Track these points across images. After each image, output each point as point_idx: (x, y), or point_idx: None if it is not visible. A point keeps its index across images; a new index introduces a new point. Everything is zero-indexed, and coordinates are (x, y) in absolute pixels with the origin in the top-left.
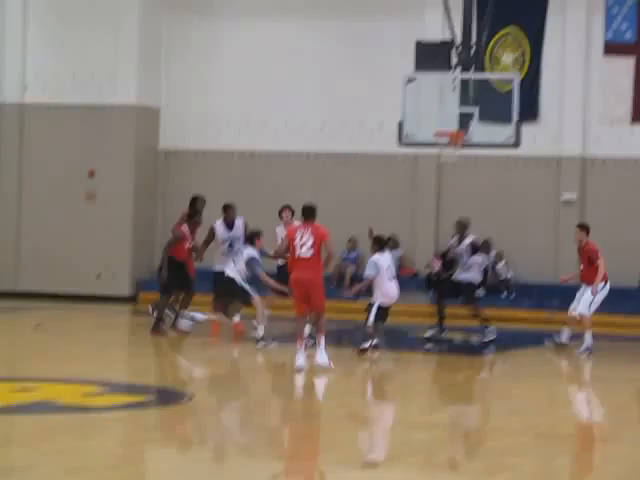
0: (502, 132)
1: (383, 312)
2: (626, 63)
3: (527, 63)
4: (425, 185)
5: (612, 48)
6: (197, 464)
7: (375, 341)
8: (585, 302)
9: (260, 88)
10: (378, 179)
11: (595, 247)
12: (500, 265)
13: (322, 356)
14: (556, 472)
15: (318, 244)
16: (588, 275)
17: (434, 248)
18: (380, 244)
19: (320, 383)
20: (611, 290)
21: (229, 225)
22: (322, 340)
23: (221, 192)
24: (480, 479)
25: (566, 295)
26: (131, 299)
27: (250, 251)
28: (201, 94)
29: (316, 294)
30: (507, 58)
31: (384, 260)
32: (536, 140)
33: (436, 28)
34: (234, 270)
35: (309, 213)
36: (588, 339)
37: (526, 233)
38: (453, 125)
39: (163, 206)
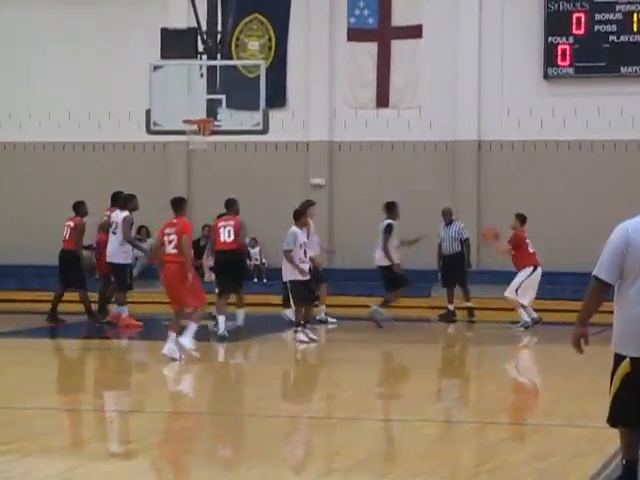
0: (251, 118)
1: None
2: (369, 48)
3: (273, 50)
4: (175, 173)
5: (355, 34)
6: None
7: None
8: (512, 285)
9: (2, 79)
10: (127, 168)
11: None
12: (255, 250)
13: (187, 339)
14: (312, 453)
15: (179, 240)
16: (517, 260)
17: None
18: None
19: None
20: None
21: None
22: (192, 327)
23: None
24: (236, 466)
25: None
26: None
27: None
28: None
29: (176, 290)
30: (253, 45)
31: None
32: (284, 126)
33: (181, 15)
34: None
35: (177, 206)
36: (522, 315)
37: (277, 218)
38: (201, 112)
39: None
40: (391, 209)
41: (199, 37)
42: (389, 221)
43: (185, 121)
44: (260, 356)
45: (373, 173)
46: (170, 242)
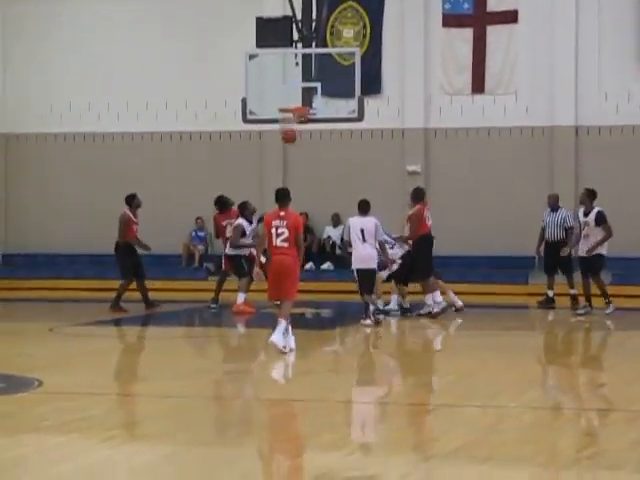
0: (346, 106)
1: (363, 278)
2: (464, 34)
3: (368, 37)
4: (271, 161)
5: (450, 20)
6: (55, 449)
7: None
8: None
9: (101, 69)
10: (224, 157)
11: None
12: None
13: (279, 337)
14: (411, 439)
15: (293, 235)
16: None
17: None
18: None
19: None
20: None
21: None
22: (283, 324)
23: (65, 175)
24: (333, 451)
25: None
26: None
27: None
28: (41, 77)
29: (285, 281)
30: (348, 33)
31: (355, 223)
32: (380, 113)
33: (276, 3)
34: None
35: (283, 198)
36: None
37: (373, 205)
38: (297, 100)
39: (5, 190)
40: None
41: (294, 25)
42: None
43: (281, 110)
44: (355, 343)
45: (469, 159)
46: (279, 235)
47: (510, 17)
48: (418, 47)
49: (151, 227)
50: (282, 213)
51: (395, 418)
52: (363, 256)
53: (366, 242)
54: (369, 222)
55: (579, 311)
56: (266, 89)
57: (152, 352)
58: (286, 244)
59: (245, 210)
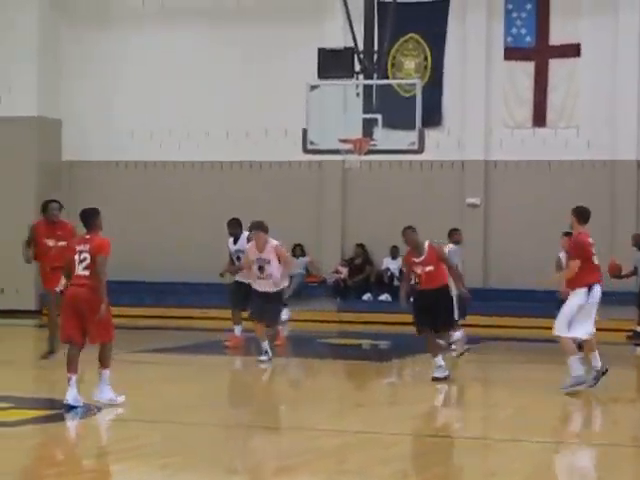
0: (406, 137)
1: None
2: (526, 67)
3: (429, 69)
4: (330, 192)
5: (512, 53)
6: (116, 476)
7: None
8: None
9: (163, 98)
10: (283, 187)
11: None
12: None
13: (105, 392)
14: (467, 473)
15: (93, 260)
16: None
17: (340, 255)
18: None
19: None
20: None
21: (235, 239)
22: (106, 375)
23: (127, 202)
24: None
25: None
26: (37, 313)
27: None
28: (105, 105)
29: (85, 319)
30: (409, 64)
31: None
32: (440, 145)
33: (338, 35)
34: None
35: (89, 220)
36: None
37: (432, 237)
38: (357, 131)
39: (67, 218)
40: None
41: (356, 57)
42: None
43: (341, 140)
44: (414, 375)
45: (529, 192)
46: (82, 261)
47: (572, 51)
48: (479, 79)
49: (210, 255)
50: (87, 237)
51: (451, 451)
52: None
53: None
54: None
55: None
56: (327, 119)
57: (208, 380)
58: (87, 272)
59: (229, 227)
